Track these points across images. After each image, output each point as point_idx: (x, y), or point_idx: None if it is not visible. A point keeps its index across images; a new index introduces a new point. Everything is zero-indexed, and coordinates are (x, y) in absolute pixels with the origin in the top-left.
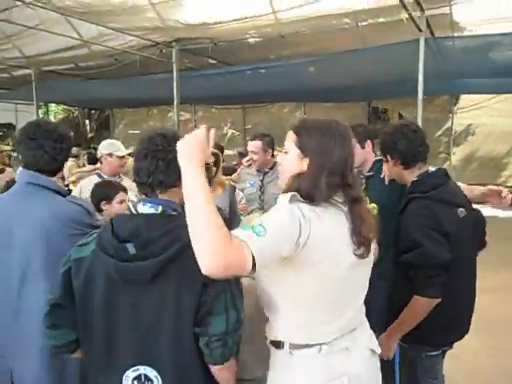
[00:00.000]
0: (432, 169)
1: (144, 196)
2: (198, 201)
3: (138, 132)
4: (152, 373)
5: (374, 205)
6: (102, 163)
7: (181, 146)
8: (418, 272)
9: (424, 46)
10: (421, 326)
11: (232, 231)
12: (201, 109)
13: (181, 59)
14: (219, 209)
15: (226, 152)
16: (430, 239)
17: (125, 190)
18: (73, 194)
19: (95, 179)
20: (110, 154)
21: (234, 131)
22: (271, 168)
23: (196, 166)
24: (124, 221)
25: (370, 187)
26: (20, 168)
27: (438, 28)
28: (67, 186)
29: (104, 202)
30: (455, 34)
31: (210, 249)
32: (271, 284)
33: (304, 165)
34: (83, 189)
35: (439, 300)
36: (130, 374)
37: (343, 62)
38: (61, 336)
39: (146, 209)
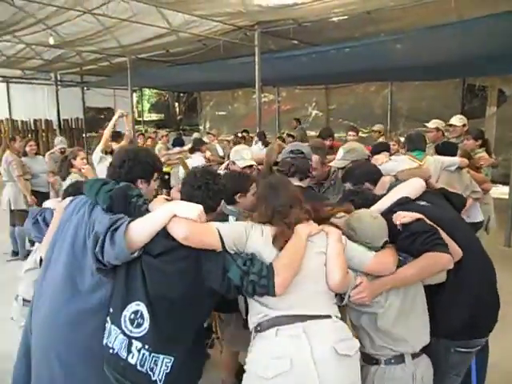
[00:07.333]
0: None
1: None
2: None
3: (224, 113)
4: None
5: None
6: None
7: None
8: (425, 236)
9: None
10: (451, 318)
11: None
12: (284, 90)
13: (263, 41)
14: None
15: (309, 133)
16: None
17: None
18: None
19: None
20: (233, 162)
21: (317, 112)
22: (326, 178)
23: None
24: None
25: None
26: None
27: None
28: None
29: (239, 194)
30: None
31: (185, 225)
32: None
33: None
34: None
35: (449, 257)
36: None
37: (434, 37)
38: None
39: None
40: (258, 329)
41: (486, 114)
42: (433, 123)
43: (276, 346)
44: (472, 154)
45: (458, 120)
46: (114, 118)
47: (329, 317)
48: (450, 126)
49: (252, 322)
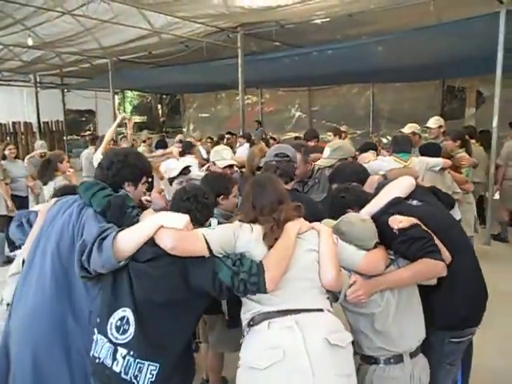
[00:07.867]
0: None
1: None
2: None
3: (207, 115)
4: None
5: None
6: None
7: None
8: (421, 242)
9: (505, 18)
10: (447, 314)
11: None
12: (267, 91)
13: (246, 43)
14: None
15: (293, 135)
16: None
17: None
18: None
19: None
20: (214, 163)
21: (300, 113)
22: (310, 176)
23: None
24: None
25: None
26: None
27: None
28: None
29: (222, 196)
30: None
31: (171, 235)
32: None
33: None
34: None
35: (443, 264)
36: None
37: (415, 39)
38: None
39: None
40: (251, 323)
41: (465, 115)
42: (408, 128)
43: (269, 337)
44: (453, 154)
45: (433, 122)
46: (117, 121)
47: (321, 310)
48: (427, 128)
49: (245, 318)
